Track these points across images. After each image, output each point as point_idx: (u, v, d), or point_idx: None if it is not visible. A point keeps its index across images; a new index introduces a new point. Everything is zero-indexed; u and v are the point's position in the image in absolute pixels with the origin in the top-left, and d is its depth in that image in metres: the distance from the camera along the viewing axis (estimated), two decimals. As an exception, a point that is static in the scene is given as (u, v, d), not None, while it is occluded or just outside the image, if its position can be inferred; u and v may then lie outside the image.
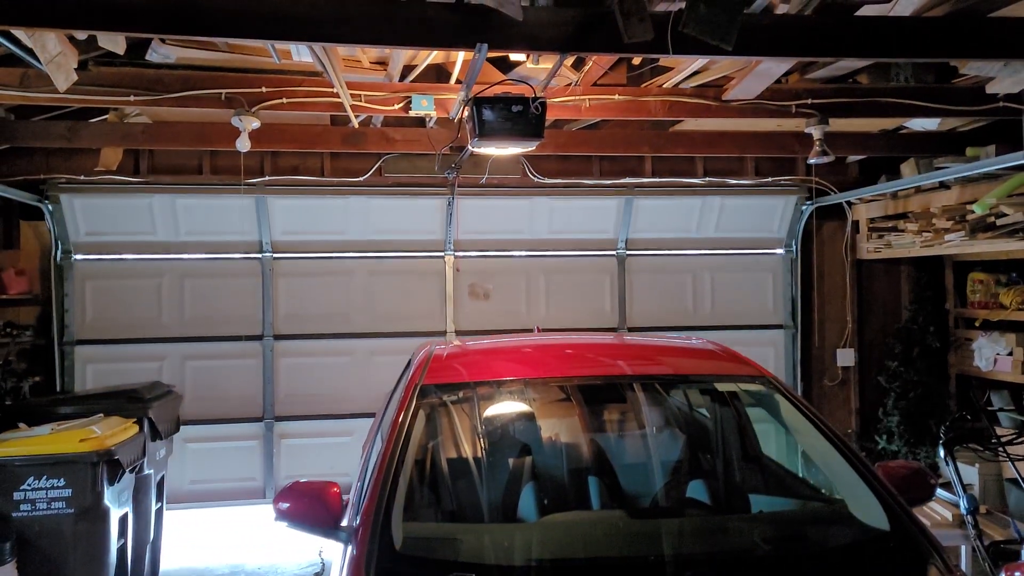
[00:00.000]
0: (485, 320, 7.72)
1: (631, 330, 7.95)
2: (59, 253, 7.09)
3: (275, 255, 7.46)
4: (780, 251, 8.23)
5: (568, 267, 7.97)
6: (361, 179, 7.26)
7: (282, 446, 7.47)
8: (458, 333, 7.66)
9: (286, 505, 3.13)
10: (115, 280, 7.29)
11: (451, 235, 7.60)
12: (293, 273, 7.55)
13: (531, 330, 6.14)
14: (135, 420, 5.48)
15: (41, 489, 4.82)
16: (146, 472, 5.65)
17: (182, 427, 6.44)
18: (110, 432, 5.08)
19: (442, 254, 7.68)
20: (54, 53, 4.16)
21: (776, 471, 4.00)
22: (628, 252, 7.98)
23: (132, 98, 5.19)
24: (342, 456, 7.23)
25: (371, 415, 7.17)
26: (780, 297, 8.25)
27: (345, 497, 3.34)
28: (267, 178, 7.17)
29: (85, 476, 4.85)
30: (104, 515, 4.97)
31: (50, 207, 6.90)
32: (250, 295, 7.46)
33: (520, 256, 7.85)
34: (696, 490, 3.43)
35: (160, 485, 6.07)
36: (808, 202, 7.95)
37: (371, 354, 7.59)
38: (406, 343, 6.45)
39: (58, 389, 7.04)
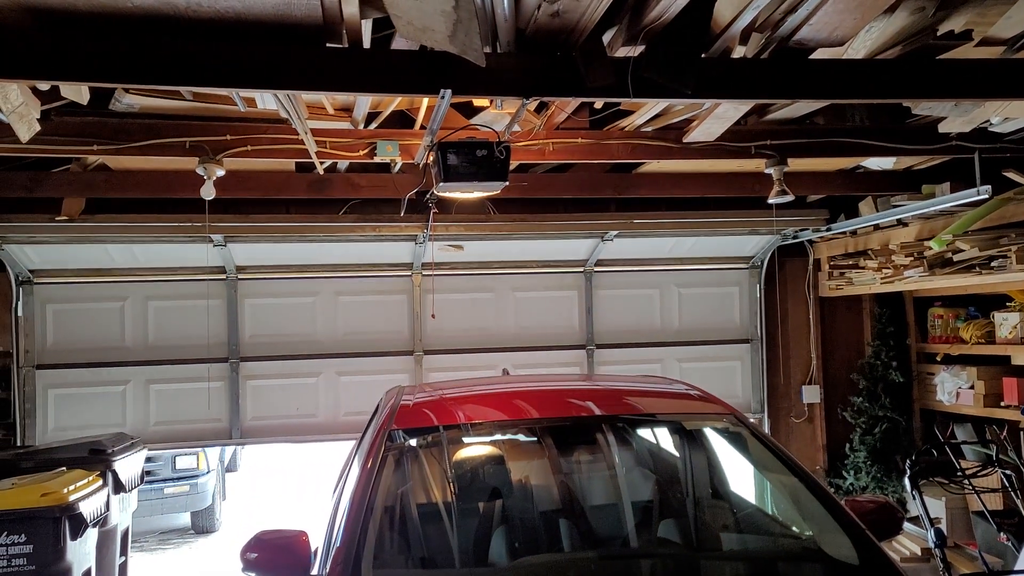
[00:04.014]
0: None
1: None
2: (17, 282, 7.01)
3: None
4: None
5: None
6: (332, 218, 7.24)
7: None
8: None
9: (254, 555, 3.09)
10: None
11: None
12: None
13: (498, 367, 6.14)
14: (99, 473, 5.39)
15: (1, 546, 4.71)
16: (110, 525, 5.55)
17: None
18: (73, 486, 4.99)
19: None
20: (16, 104, 4.13)
21: (746, 508, 4.01)
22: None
23: (95, 147, 5.14)
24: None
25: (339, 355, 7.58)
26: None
27: (315, 546, 3.30)
28: (229, 215, 7.07)
29: (47, 531, 4.76)
30: (66, 571, 4.86)
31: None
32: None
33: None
34: (667, 530, 3.43)
35: (124, 538, 5.95)
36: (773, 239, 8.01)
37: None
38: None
39: (15, 420, 6.88)
